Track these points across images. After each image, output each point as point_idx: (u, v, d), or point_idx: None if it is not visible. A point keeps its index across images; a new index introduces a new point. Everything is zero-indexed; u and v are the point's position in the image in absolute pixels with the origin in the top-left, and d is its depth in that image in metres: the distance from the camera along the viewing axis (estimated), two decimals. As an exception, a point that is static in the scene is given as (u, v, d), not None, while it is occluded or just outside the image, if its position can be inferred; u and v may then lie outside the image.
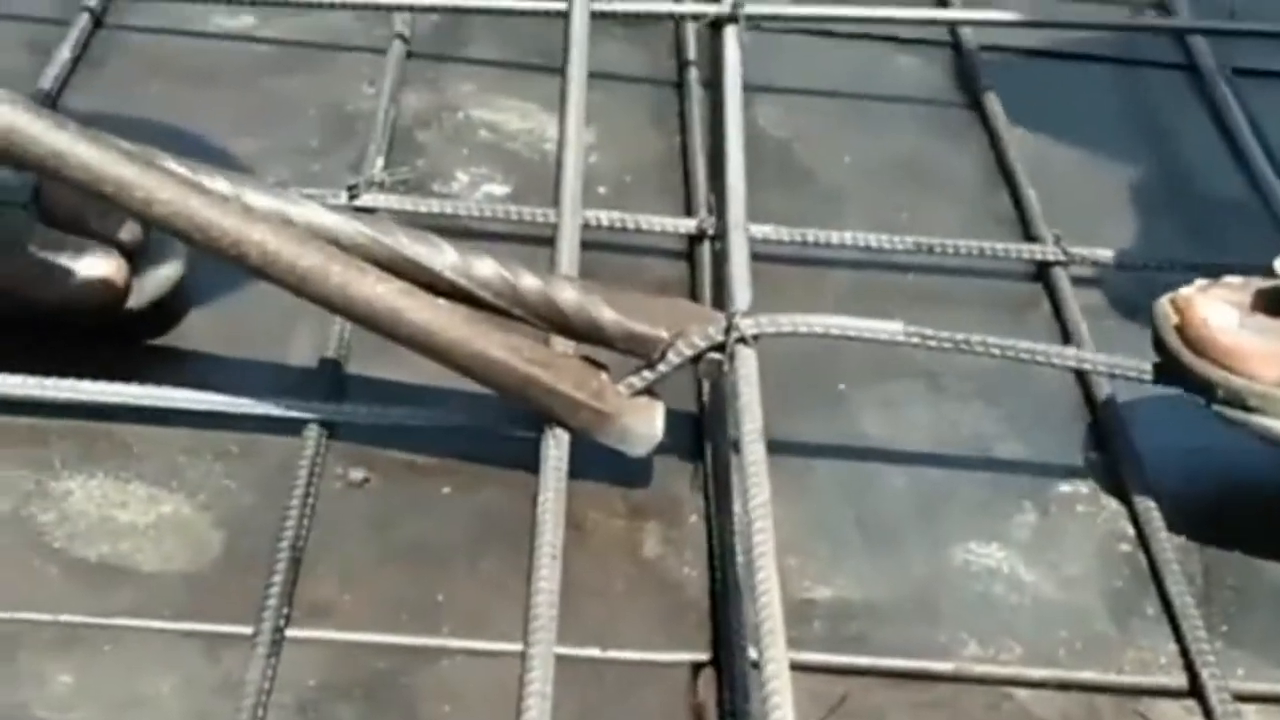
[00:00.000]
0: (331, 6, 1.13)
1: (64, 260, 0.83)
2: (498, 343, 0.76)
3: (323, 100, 1.08)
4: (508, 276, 0.78)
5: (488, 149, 1.06)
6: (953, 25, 1.20)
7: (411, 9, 1.14)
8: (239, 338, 0.87)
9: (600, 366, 0.79)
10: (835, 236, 0.97)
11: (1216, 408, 0.79)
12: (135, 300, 0.85)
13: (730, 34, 1.10)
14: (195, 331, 0.88)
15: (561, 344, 0.81)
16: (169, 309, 0.88)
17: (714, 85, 1.10)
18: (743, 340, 0.78)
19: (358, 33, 1.15)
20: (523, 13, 1.14)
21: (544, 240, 0.95)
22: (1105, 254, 0.98)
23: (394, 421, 0.82)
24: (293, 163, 1.01)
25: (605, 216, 0.96)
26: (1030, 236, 1.01)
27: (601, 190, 1.02)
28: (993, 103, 1.14)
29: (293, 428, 0.80)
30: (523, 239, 0.96)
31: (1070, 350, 0.81)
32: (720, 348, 0.78)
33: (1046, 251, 0.98)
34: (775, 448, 0.76)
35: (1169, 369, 0.80)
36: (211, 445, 0.80)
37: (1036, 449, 0.85)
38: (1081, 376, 0.90)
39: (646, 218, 0.97)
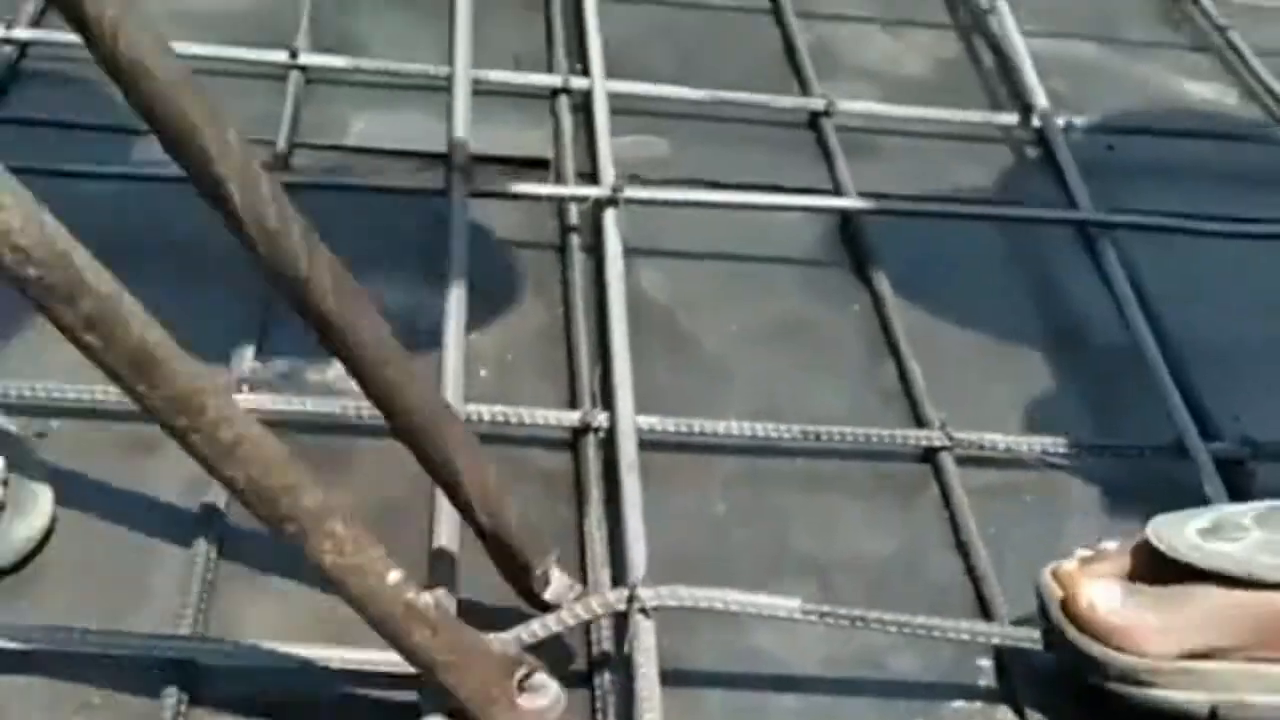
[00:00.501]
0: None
1: None
2: (416, 635, 0.71)
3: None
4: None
5: (366, 328, 1.03)
6: (843, 213, 1.19)
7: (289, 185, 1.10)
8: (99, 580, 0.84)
9: (508, 671, 0.74)
10: (722, 426, 0.95)
11: (1110, 685, 0.80)
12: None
13: (610, 217, 1.10)
14: (51, 572, 0.84)
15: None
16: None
17: (596, 251, 1.10)
18: (642, 611, 0.77)
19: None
20: (402, 191, 1.12)
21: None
22: (992, 438, 0.97)
23: (261, 662, 0.78)
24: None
25: (488, 411, 0.94)
26: (917, 417, 1.00)
27: (483, 373, 1.00)
28: (876, 264, 1.14)
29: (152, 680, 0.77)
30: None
31: (964, 624, 0.83)
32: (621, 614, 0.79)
33: (933, 437, 0.97)
34: (668, 677, 0.75)
35: (1059, 642, 0.82)
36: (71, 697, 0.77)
37: (929, 662, 0.85)
38: (974, 577, 0.90)
39: (530, 411, 0.94)
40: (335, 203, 1.09)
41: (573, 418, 0.95)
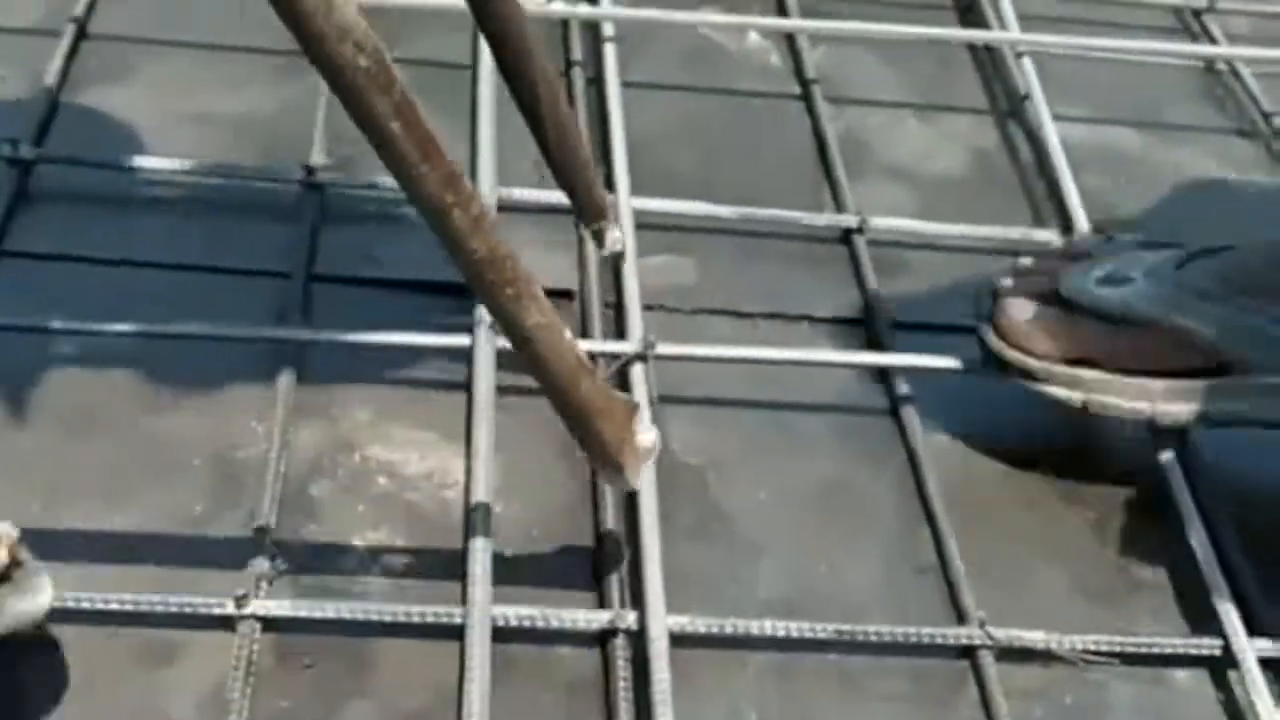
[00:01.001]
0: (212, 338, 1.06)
1: None
2: (584, 388, 0.88)
3: (208, 443, 1.01)
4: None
5: (386, 502, 0.99)
6: (885, 369, 1.14)
7: (306, 342, 1.08)
8: None
9: (632, 413, 0.92)
10: (755, 626, 0.93)
11: (1009, 378, 1.06)
12: None
13: (639, 373, 1.06)
14: None
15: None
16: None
17: (624, 406, 1.06)
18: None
19: (242, 357, 1.07)
20: (425, 349, 1.08)
21: (452, 633, 0.91)
22: (1033, 636, 0.94)
23: None
24: (174, 545, 0.95)
25: (514, 614, 0.91)
26: (955, 603, 0.97)
27: (508, 552, 0.97)
28: (913, 408, 1.10)
29: None
30: (428, 631, 0.92)
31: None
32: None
33: (972, 635, 0.94)
34: None
35: (987, 357, 1.08)
36: None
37: None
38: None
39: (557, 613, 0.92)
40: (350, 355, 1.07)
41: (602, 619, 0.92)
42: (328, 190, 1.21)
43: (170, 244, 1.15)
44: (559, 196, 1.22)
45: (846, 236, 1.26)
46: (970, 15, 1.55)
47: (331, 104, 1.24)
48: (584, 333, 1.12)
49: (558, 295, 1.16)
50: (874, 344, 1.16)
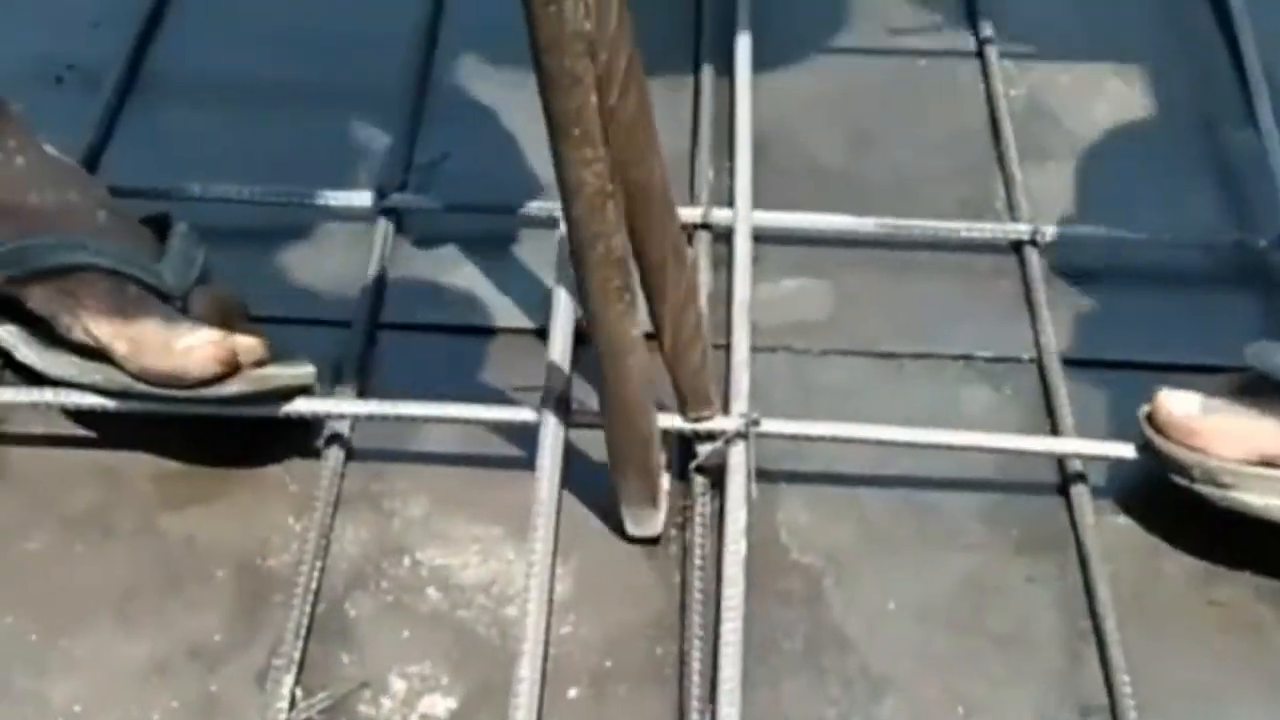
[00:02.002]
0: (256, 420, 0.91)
1: (175, 333, 0.86)
2: (649, 420, 0.84)
3: (236, 548, 0.87)
4: (687, 300, 0.84)
5: (435, 624, 0.84)
6: (1061, 459, 0.93)
7: (355, 417, 0.93)
8: None
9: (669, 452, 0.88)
10: (865, 804, 0.75)
11: (1195, 487, 0.85)
12: (240, 384, 0.86)
13: (738, 453, 0.88)
14: None
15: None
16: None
17: (720, 492, 0.88)
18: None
19: (285, 430, 0.92)
20: (486, 422, 0.91)
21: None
22: (1221, 826, 0.75)
23: None
24: (186, 682, 0.81)
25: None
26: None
27: (572, 693, 0.81)
28: (1081, 492, 0.89)
29: None
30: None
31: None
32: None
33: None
34: None
35: (1150, 451, 0.87)
36: None
37: None
38: None
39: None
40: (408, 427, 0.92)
41: (679, 786, 0.76)
42: (401, 220, 1.05)
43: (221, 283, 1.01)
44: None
45: (1017, 248, 1.05)
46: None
47: (402, 129, 1.10)
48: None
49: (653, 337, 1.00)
50: (1046, 393, 0.95)
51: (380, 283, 1.01)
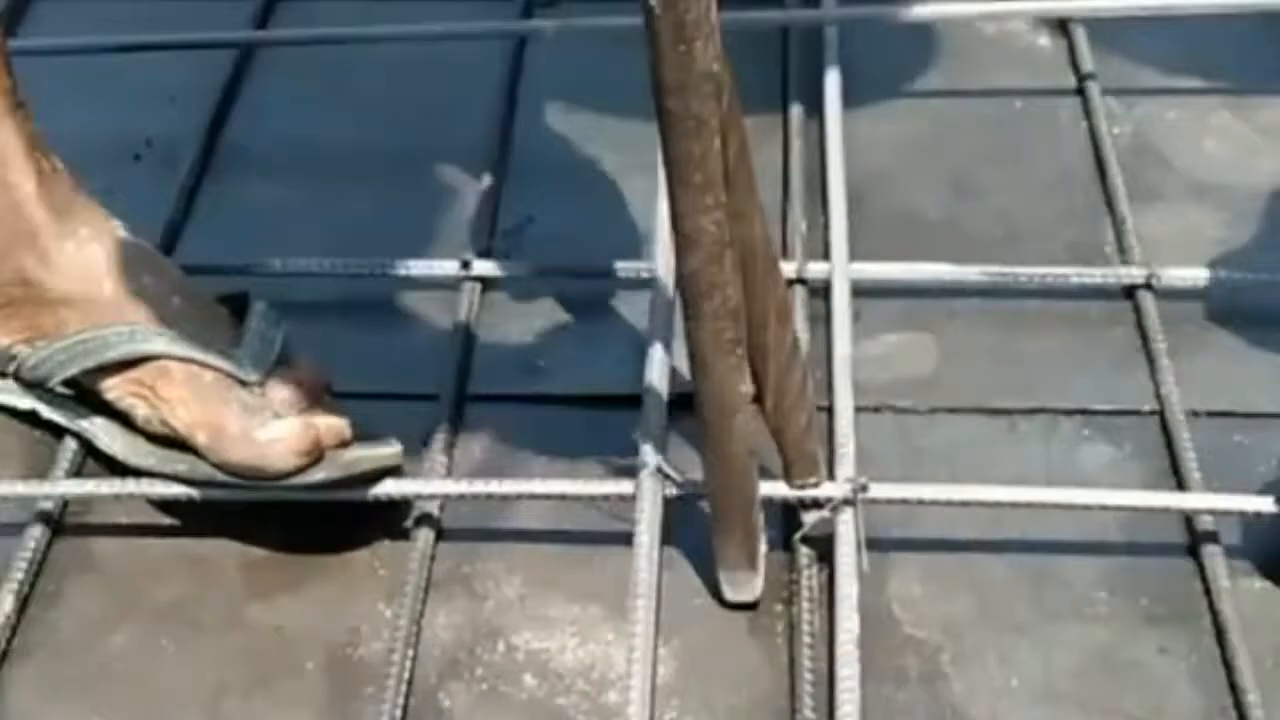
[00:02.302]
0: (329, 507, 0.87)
1: (256, 422, 0.84)
2: (749, 482, 0.81)
3: (326, 638, 0.84)
4: (791, 361, 0.80)
5: (532, 714, 0.79)
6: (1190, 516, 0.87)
7: (446, 497, 0.89)
8: None
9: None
10: None
11: None
12: (326, 470, 0.84)
13: (846, 521, 0.83)
14: None
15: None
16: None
17: (827, 563, 0.84)
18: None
19: (370, 515, 0.89)
20: (581, 497, 0.87)
21: None
22: None
23: None
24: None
25: None
26: None
27: (679, 792, 0.77)
28: (1214, 553, 0.84)
29: None
30: None
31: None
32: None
33: None
34: None
35: None
36: None
37: None
38: None
39: None
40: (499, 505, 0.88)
41: None
42: (487, 287, 1.02)
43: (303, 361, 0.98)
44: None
45: (1130, 293, 1.00)
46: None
47: (484, 193, 1.07)
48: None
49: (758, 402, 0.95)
50: (1170, 447, 0.90)
51: (467, 353, 0.98)
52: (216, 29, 1.23)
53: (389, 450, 0.86)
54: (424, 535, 0.87)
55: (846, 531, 0.83)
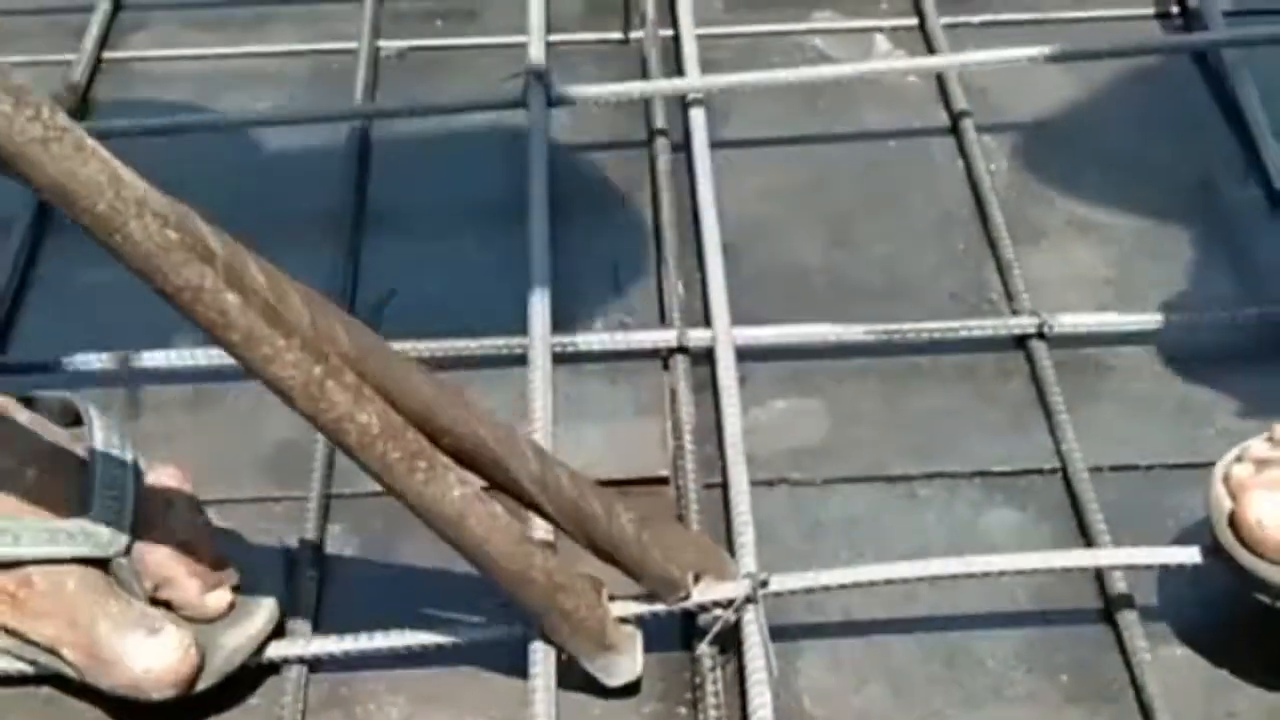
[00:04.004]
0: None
1: (129, 643, 0.76)
2: (539, 564, 0.75)
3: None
4: (576, 496, 0.76)
5: None
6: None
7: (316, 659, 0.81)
8: None
9: (600, 589, 0.78)
10: None
11: None
12: (205, 681, 0.77)
13: (750, 618, 0.78)
14: None
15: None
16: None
17: (733, 657, 0.79)
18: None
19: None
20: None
21: None
22: None
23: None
24: None
25: None
26: None
27: None
28: (1131, 620, 0.80)
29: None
30: None
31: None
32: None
33: None
34: None
35: (1225, 561, 0.76)
36: None
37: None
38: None
39: None
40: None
41: None
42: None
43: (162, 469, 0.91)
44: (637, 338, 0.96)
45: (1023, 343, 0.96)
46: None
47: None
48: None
49: (650, 483, 0.90)
50: (1074, 505, 0.87)
51: (332, 445, 0.92)
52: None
53: (263, 621, 0.78)
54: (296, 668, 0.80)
55: (752, 633, 0.77)
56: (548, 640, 0.77)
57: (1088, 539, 0.85)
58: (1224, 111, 1.12)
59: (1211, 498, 0.76)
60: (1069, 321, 0.95)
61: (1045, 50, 1.10)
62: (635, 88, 1.12)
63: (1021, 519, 0.87)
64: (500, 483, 0.76)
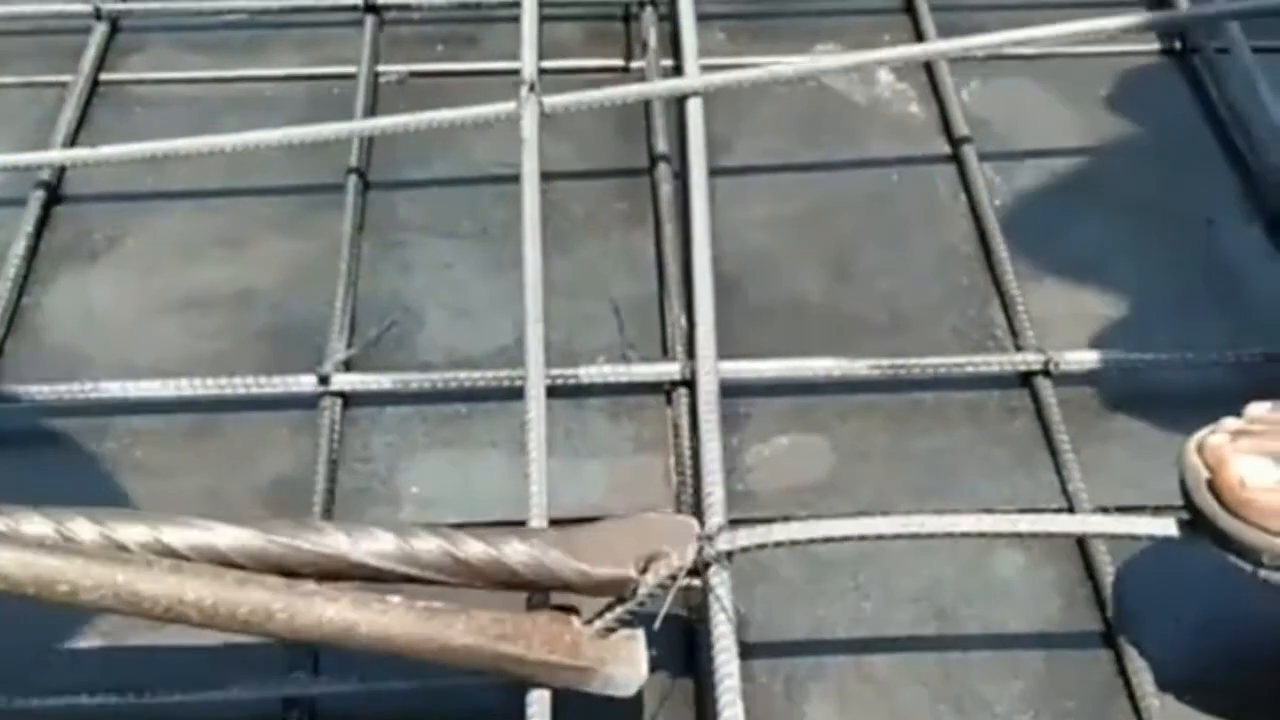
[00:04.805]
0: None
1: None
2: (460, 629, 0.73)
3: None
4: (451, 549, 0.74)
5: None
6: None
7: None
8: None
9: (571, 611, 0.76)
10: None
11: (1264, 573, 0.73)
12: None
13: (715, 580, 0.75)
14: None
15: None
16: None
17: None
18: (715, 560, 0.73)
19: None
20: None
21: None
22: None
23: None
24: None
25: None
26: None
27: None
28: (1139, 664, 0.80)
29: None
30: None
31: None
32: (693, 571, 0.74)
33: None
34: None
35: (1205, 529, 0.74)
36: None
37: None
38: None
39: None
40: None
41: None
42: (349, 403, 0.94)
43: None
44: (638, 371, 0.95)
45: (1028, 380, 0.96)
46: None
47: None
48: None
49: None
50: (1081, 547, 0.86)
51: (331, 480, 0.90)
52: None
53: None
54: None
55: (712, 595, 0.73)
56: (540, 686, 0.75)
57: (1095, 581, 0.84)
58: (1225, 148, 1.12)
59: (1187, 467, 0.75)
60: (1075, 359, 0.94)
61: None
62: (630, 90, 1.08)
63: (1028, 559, 0.86)
64: (371, 577, 0.74)
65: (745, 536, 0.74)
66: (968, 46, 1.11)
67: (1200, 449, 0.75)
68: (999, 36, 1.09)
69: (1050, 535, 0.81)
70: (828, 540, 0.76)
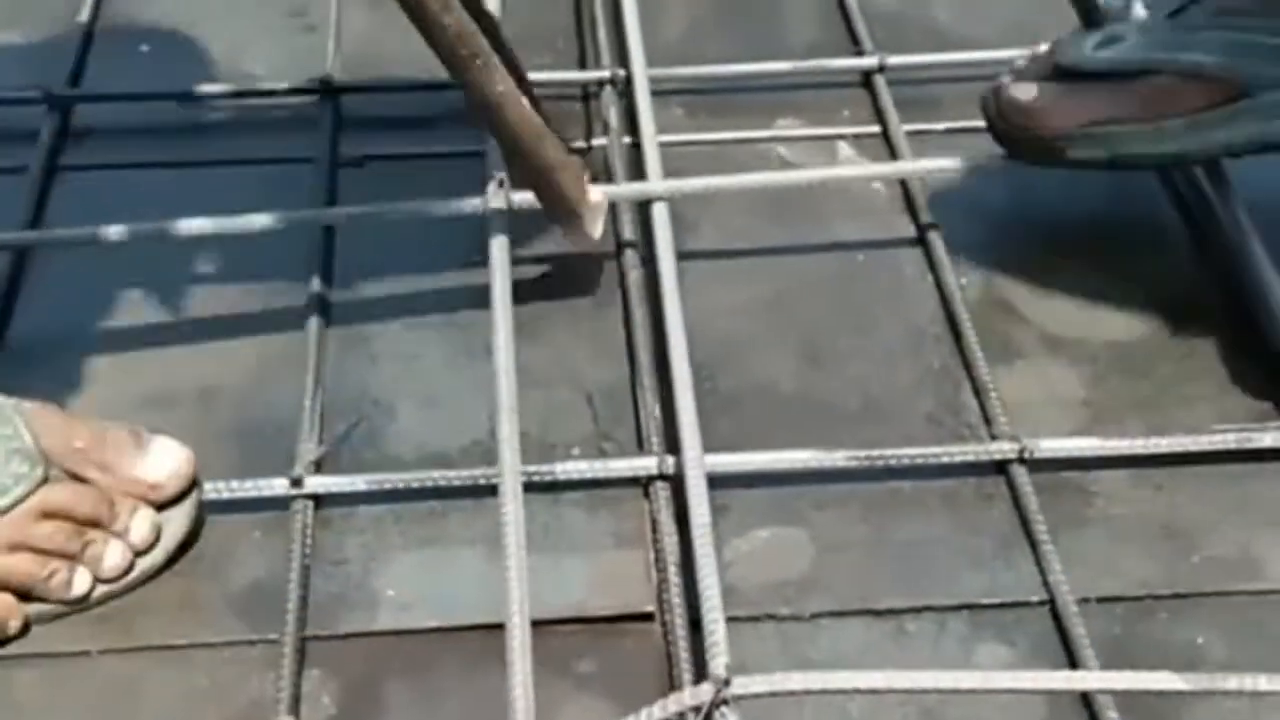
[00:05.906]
0: None
1: None
2: (548, 146, 1.01)
3: None
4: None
5: None
6: None
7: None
8: None
9: (584, 170, 1.06)
10: None
11: (1030, 159, 1.07)
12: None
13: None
14: None
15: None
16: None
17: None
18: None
19: None
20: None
21: None
22: None
23: None
24: None
25: None
26: None
27: None
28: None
29: None
30: None
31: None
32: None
33: None
34: None
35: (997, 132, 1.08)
36: None
37: None
38: None
39: None
40: None
41: None
42: (320, 504, 0.92)
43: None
44: (615, 465, 0.95)
45: (1004, 468, 0.96)
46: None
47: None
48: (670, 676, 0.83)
49: (635, 619, 0.88)
50: (1064, 640, 0.86)
51: (304, 584, 0.88)
52: None
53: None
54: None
55: None
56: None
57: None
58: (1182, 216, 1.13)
59: (983, 100, 1.08)
60: (1049, 446, 0.94)
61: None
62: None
63: (1012, 654, 0.85)
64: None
65: (760, 683, 0.76)
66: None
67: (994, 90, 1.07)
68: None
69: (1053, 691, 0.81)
70: (840, 692, 0.78)
